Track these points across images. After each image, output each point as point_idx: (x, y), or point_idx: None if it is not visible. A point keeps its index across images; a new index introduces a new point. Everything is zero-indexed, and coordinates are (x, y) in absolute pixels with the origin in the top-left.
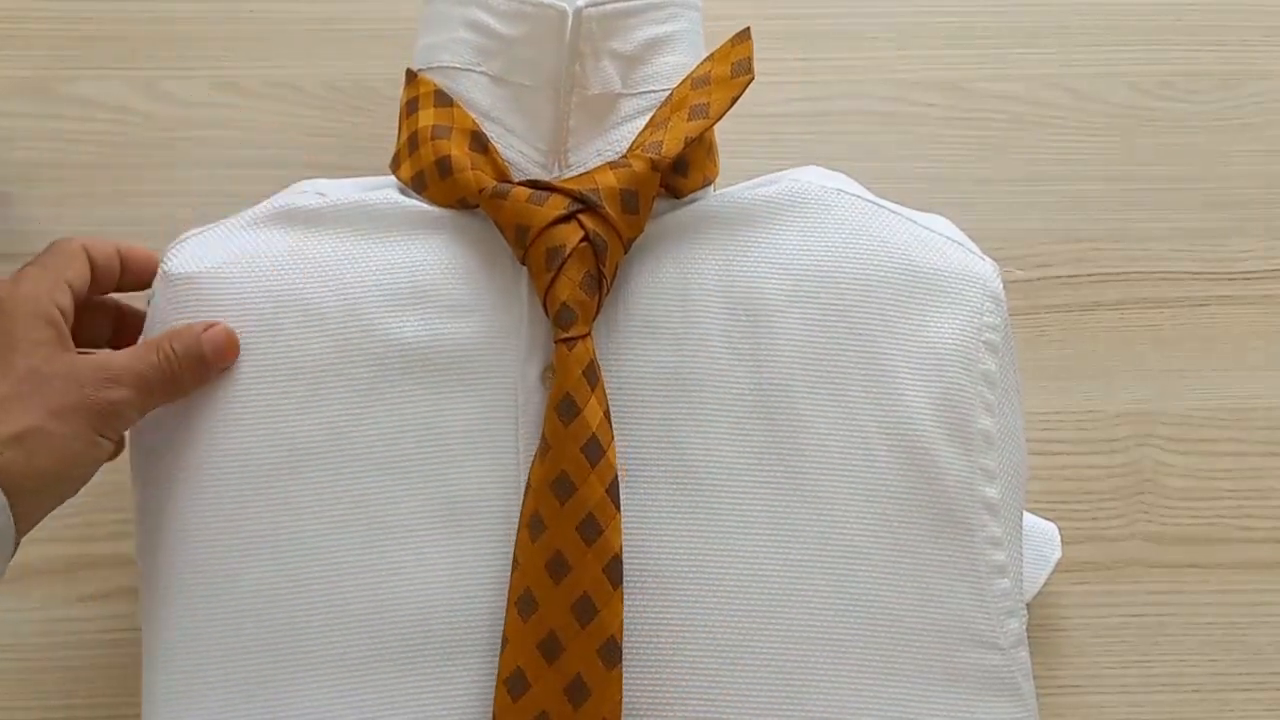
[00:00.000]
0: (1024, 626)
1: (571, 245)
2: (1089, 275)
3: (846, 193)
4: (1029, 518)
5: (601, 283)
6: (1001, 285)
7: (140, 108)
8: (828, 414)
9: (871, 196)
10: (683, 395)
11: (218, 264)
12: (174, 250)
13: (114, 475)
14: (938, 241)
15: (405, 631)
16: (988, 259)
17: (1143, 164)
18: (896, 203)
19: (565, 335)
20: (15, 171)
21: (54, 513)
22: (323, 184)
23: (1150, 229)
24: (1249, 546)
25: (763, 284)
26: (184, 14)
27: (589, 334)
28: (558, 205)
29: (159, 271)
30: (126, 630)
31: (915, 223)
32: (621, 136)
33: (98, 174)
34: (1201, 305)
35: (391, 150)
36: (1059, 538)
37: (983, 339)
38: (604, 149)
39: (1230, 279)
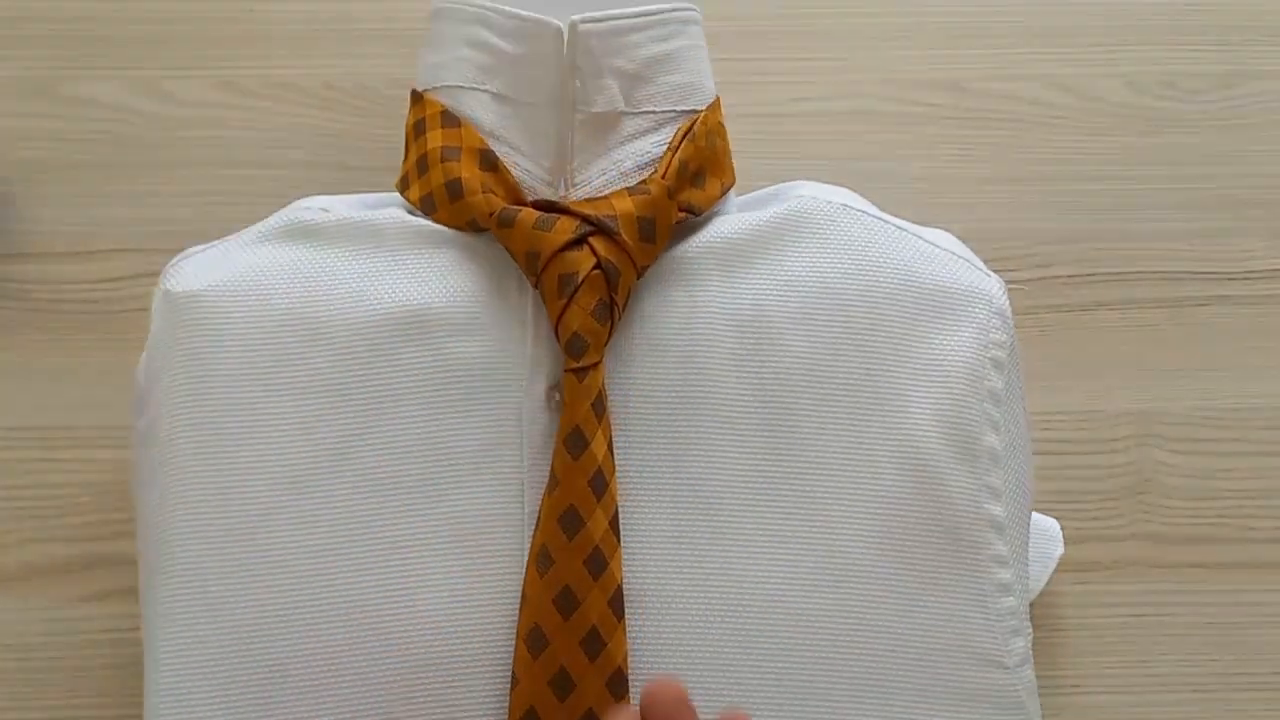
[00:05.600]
0: (1029, 645)
1: (584, 272)
2: (1089, 275)
3: (852, 208)
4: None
5: (614, 310)
6: (1008, 302)
7: (140, 108)
8: (833, 432)
9: (876, 211)
10: (687, 414)
11: (221, 281)
12: (175, 268)
13: (116, 476)
14: (944, 258)
15: (406, 653)
16: (994, 275)
17: (1143, 164)
18: (898, 203)
19: (576, 365)
20: (16, 171)
21: (56, 512)
22: (325, 200)
23: (1150, 229)
24: (1249, 546)
25: (769, 304)
26: (184, 14)
27: (600, 363)
28: (566, 229)
29: (160, 289)
30: (128, 630)
31: (921, 238)
32: (625, 155)
33: (98, 174)
34: (1201, 305)
35: (389, 150)
36: (1061, 534)
37: (989, 356)
38: (608, 167)
39: (1230, 279)
